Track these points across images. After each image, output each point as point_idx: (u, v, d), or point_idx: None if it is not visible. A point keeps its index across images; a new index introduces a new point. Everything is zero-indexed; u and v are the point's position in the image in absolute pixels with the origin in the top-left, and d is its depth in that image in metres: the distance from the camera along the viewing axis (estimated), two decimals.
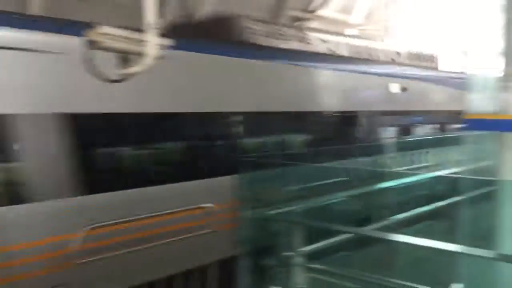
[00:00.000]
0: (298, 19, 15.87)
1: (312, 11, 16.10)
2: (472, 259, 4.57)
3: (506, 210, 4.68)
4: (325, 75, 8.61)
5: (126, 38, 4.16)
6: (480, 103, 5.17)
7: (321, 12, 16.46)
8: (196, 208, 5.90)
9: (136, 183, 5.57)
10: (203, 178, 6.22)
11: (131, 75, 4.29)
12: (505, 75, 4.94)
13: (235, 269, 4.93)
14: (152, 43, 4.13)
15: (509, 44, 4.92)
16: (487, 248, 4.45)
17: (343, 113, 8.86)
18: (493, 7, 5.46)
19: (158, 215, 5.47)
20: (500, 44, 5.00)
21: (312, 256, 4.23)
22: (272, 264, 3.99)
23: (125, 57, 4.19)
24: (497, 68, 5.10)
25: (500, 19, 5.08)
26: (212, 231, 5.88)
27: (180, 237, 5.63)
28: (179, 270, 5.84)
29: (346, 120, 8.95)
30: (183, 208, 5.79)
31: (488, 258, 3.87)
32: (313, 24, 16.53)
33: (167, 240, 5.52)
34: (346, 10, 18.02)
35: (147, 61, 4.13)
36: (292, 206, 4.81)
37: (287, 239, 3.93)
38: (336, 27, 17.62)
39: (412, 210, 6.41)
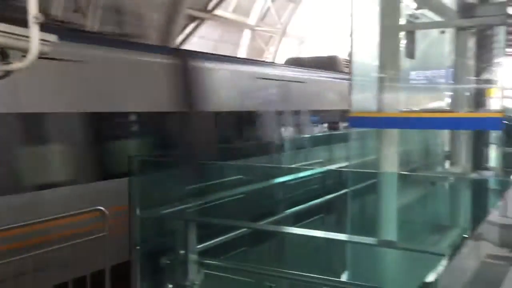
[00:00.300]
0: (195, 18, 15.89)
1: (209, 11, 16.20)
2: (359, 247, 4.92)
3: (386, 199, 5.09)
4: (213, 75, 8.55)
5: (5, 32, 3.91)
6: (361, 102, 5.57)
7: (218, 12, 16.62)
8: (83, 213, 5.68)
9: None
10: (89, 181, 6.02)
11: (12, 71, 4.04)
12: (380, 77, 5.36)
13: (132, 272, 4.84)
14: (35, 39, 3.92)
15: (384, 49, 5.34)
16: (373, 236, 4.82)
17: (232, 112, 8.90)
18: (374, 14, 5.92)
19: (38, 222, 5.14)
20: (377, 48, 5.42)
21: (209, 253, 4.29)
22: (168, 263, 3.99)
23: (5, 53, 3.93)
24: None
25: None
26: (104, 235, 5.69)
27: (67, 244, 5.36)
28: (66, 278, 5.54)
29: (236, 119, 9.09)
30: (67, 214, 5.53)
31: (371, 245, 4.19)
32: (211, 23, 16.67)
33: (51, 248, 5.21)
34: (244, 11, 18.38)
35: (30, 57, 3.91)
36: (187, 204, 4.84)
37: (182, 238, 3.95)
38: (234, 27, 17.92)
39: (304, 204, 6.71)
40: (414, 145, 7.47)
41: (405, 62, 6.42)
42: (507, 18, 4.62)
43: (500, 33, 6.02)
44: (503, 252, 3.65)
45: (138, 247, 4.36)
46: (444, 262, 1.72)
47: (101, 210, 5.77)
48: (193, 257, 3.81)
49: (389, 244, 4.30)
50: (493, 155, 6.18)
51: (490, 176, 5.98)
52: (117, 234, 5.68)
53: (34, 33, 3.93)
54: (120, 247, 5.67)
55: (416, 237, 5.88)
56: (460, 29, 6.65)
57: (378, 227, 5.29)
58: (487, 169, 6.32)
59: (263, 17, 19.20)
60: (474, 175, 6.26)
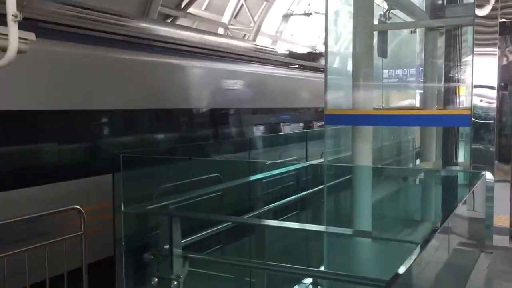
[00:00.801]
0: (168, 16, 15.83)
1: (182, 9, 16.16)
2: (335, 240, 5.07)
3: (359, 192, 5.25)
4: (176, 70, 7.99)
5: None
6: (336, 99, 5.72)
7: (191, 10, 16.60)
8: (59, 211, 5.65)
9: None
10: (63, 180, 5.99)
11: None
12: (354, 75, 5.51)
13: (114, 269, 4.85)
14: (14, 36, 3.91)
15: (356, 46, 5.50)
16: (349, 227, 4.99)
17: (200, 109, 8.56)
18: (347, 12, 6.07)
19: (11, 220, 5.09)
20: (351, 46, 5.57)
21: (192, 247, 4.36)
22: (152, 258, 4.04)
23: None
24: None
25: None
26: (81, 233, 5.68)
27: (43, 243, 5.33)
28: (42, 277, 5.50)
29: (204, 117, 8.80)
30: (43, 213, 5.50)
31: (347, 235, 4.34)
32: (183, 21, 16.63)
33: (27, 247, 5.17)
34: (217, 9, 18.40)
35: (8, 55, 3.90)
36: (169, 200, 4.89)
37: (165, 233, 4.01)
38: (207, 26, 17.92)
39: (283, 199, 6.84)
40: (386, 141, 7.69)
41: (377, 61, 6.61)
42: (475, 18, 4.81)
43: (468, 33, 6.25)
44: (471, 243, 3.85)
45: (122, 243, 4.40)
46: (416, 252, 1.84)
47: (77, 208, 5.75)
48: (177, 251, 3.87)
49: (365, 234, 4.46)
50: (462, 151, 6.42)
51: (458, 171, 6.21)
52: (96, 233, 5.67)
53: (13, 31, 3.93)
54: (99, 245, 5.67)
55: (388, 230, 6.08)
56: (429, 29, 6.88)
57: (353, 220, 5.45)
58: (456, 164, 6.56)
59: (236, 15, 19.27)
60: (443, 170, 6.49)
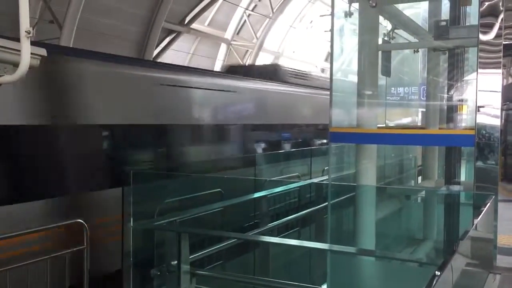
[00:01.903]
0: (171, 31, 15.97)
1: (186, 24, 16.31)
2: (339, 258, 5.07)
3: (362, 210, 5.27)
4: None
5: None
6: (340, 117, 5.76)
7: (195, 26, 16.76)
8: (62, 225, 5.67)
9: None
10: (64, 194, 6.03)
11: (3, 83, 4.07)
12: (358, 93, 5.56)
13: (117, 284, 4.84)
14: (26, 52, 3.97)
15: (361, 65, 5.56)
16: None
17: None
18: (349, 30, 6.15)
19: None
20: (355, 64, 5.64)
21: (198, 263, 4.36)
22: (159, 273, 4.04)
23: None
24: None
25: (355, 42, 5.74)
26: (84, 247, 5.67)
27: (42, 258, 5.33)
28: None
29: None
30: (45, 227, 5.52)
31: (350, 254, 4.34)
32: (187, 37, 16.78)
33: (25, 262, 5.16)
34: (220, 25, 18.58)
35: (21, 70, 3.95)
36: (177, 216, 4.91)
37: (172, 248, 4.02)
38: (210, 41, 18.09)
39: (288, 217, 6.84)
40: (388, 159, 7.72)
41: (381, 79, 6.67)
42: (479, 40, 4.88)
43: (471, 53, 6.33)
44: (479, 264, 3.85)
45: (130, 257, 4.40)
46: (437, 274, 1.85)
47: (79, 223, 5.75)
48: (185, 267, 3.87)
49: (369, 253, 4.46)
50: (465, 170, 6.45)
51: (461, 191, 6.22)
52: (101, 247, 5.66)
53: (25, 47, 3.98)
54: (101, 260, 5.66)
55: (391, 249, 6.08)
56: (433, 49, 6.95)
57: (356, 238, 5.46)
58: (458, 183, 6.58)
59: (239, 32, 19.43)
60: (445, 190, 6.50)
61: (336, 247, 4.54)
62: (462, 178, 6.69)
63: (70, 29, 10.13)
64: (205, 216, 5.65)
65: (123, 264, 4.57)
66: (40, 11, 10.85)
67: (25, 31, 3.88)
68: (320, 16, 22.63)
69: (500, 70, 5.04)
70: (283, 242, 4.74)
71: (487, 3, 4.98)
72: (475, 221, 2.94)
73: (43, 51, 4.37)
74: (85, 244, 5.75)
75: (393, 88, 8.80)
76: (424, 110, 8.10)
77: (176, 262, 3.88)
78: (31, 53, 4.02)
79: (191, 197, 6.18)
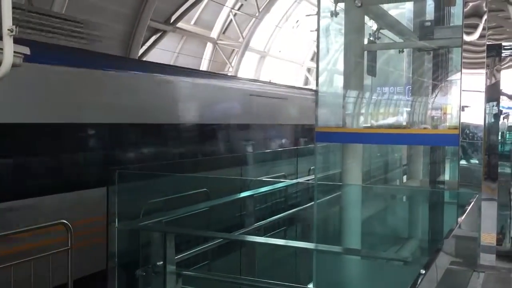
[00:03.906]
0: (157, 30, 15.87)
1: (172, 23, 16.22)
2: (325, 257, 5.08)
3: (348, 209, 5.29)
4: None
5: None
6: (326, 117, 5.78)
7: (180, 25, 16.67)
8: (46, 226, 5.60)
9: None
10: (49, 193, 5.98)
11: None
12: (344, 93, 5.59)
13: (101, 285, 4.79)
14: (9, 51, 3.90)
15: (347, 65, 5.58)
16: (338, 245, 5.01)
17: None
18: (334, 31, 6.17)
19: None
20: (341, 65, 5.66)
21: (184, 264, 4.34)
22: (144, 274, 4.01)
23: None
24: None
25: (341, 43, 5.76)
26: (68, 248, 5.61)
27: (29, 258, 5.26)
28: None
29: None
30: (29, 227, 5.45)
31: (335, 253, 4.35)
32: (172, 36, 16.70)
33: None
34: (206, 24, 18.51)
35: (3, 68, 3.88)
36: (162, 216, 4.87)
37: (157, 249, 3.99)
38: (196, 40, 18.02)
39: (274, 216, 6.84)
40: (374, 159, 7.76)
41: (366, 79, 6.70)
42: (463, 40, 4.93)
43: (455, 53, 6.39)
44: (463, 262, 3.89)
45: (115, 258, 4.36)
46: (422, 272, 1.86)
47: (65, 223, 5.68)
48: (170, 267, 3.85)
49: (355, 252, 4.48)
50: (449, 169, 6.51)
51: (445, 190, 6.28)
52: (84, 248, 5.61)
53: (8, 45, 3.91)
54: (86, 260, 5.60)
55: (376, 248, 6.11)
56: (417, 49, 7.01)
57: (342, 237, 5.47)
58: (442, 183, 6.64)
59: (225, 31, 19.39)
60: (430, 188, 6.56)
61: (322, 247, 4.55)
62: (447, 177, 6.76)
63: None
64: (191, 216, 5.63)
65: (108, 265, 4.53)
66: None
67: (8, 29, 3.81)
68: (306, 15, 22.69)
69: (483, 70, 5.09)
70: (269, 242, 4.73)
71: (471, 4, 5.03)
72: (459, 220, 2.96)
73: (26, 50, 4.30)
74: (69, 245, 5.68)
75: (379, 88, 8.85)
76: (409, 109, 8.17)
77: (161, 262, 3.85)
78: (14, 52, 3.96)
79: (176, 197, 6.15)
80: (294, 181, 8.45)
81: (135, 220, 4.65)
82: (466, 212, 3.16)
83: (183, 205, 5.75)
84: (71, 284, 5.69)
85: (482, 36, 4.90)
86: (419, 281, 1.75)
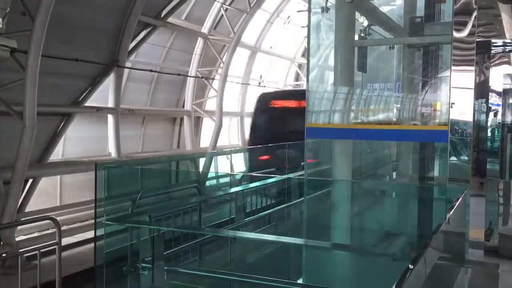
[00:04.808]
0: (147, 25, 15.76)
1: (162, 18, 16.11)
2: (314, 252, 5.09)
3: (337, 205, 5.30)
4: None
5: None
6: (316, 113, 5.78)
7: (171, 20, 16.57)
8: (34, 219, 5.56)
9: None
10: None
11: None
12: (334, 89, 5.59)
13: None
14: None
15: (337, 61, 5.58)
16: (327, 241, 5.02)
17: None
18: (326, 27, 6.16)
19: None
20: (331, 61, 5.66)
21: (172, 259, 4.32)
22: (132, 270, 3.98)
23: None
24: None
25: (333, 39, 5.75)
26: (55, 242, 5.57)
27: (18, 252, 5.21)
28: None
29: None
30: (17, 222, 5.41)
31: (325, 248, 4.36)
32: (163, 30, 16.60)
33: None
34: (197, 19, 18.41)
35: None
36: (149, 212, 4.84)
37: (146, 245, 3.96)
38: (187, 35, 17.93)
39: (264, 212, 6.84)
40: (364, 155, 7.78)
41: (356, 76, 6.70)
42: (453, 37, 4.94)
43: (445, 50, 6.42)
44: (452, 257, 3.91)
45: (103, 254, 4.33)
46: (410, 267, 1.87)
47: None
48: (159, 263, 3.83)
49: (344, 248, 4.50)
50: (438, 165, 6.54)
51: (438, 186, 6.31)
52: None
53: None
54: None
55: (365, 243, 6.13)
56: (408, 45, 7.02)
57: (331, 233, 5.49)
58: (432, 179, 6.68)
59: (216, 26, 19.30)
60: (419, 184, 6.59)
61: (311, 242, 4.55)
62: (436, 173, 6.79)
63: (42, 21, 9.87)
64: (180, 212, 5.61)
65: (96, 261, 4.50)
66: (11, 2, 10.58)
67: None
68: (298, 11, 22.64)
69: (473, 67, 5.12)
70: (257, 238, 4.73)
71: (461, 1, 5.04)
72: (448, 216, 2.98)
73: (13, 43, 4.27)
74: (57, 239, 5.65)
75: (369, 84, 8.87)
76: (399, 106, 8.20)
77: (150, 258, 3.83)
78: (1, 45, 3.92)
79: (166, 192, 6.13)
80: (284, 176, 8.46)
81: (124, 215, 4.62)
82: (454, 208, 3.17)
83: (173, 201, 5.74)
84: (60, 279, 5.66)
85: (471, 33, 4.92)
86: (407, 275, 1.76)
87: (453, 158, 4.98)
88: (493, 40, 6.22)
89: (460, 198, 3.54)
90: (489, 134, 6.86)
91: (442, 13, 6.56)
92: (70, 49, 11.52)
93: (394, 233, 6.64)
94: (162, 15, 16.10)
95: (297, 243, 4.75)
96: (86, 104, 12.97)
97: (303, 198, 5.59)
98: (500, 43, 6.57)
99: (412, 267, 1.88)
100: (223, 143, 20.81)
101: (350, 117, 5.96)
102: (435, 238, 2.36)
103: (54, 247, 5.75)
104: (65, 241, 10.30)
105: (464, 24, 4.93)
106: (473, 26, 4.89)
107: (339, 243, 4.84)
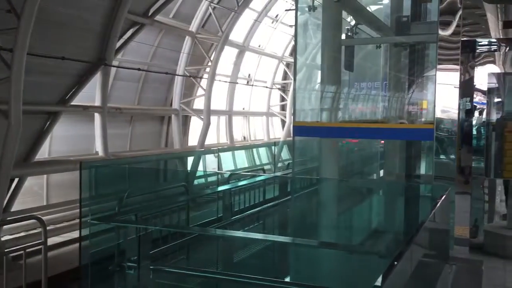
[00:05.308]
0: (135, 23, 15.66)
1: (150, 16, 16.02)
2: (301, 250, 5.11)
3: (324, 203, 5.32)
4: None
5: None
6: (304, 112, 5.80)
7: (159, 18, 16.48)
8: (19, 219, 5.50)
9: None
10: None
11: None
12: (322, 88, 5.61)
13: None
14: None
15: (324, 60, 5.60)
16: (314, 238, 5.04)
17: None
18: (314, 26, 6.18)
19: None
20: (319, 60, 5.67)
21: (160, 258, 4.30)
22: (118, 269, 3.96)
23: None
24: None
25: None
26: (41, 241, 5.51)
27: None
28: None
29: None
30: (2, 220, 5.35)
31: (312, 246, 4.38)
32: (151, 29, 16.51)
33: None
34: (185, 18, 18.34)
35: None
36: (135, 211, 4.83)
37: (132, 244, 3.95)
38: (174, 34, 17.85)
39: (251, 210, 6.84)
40: (351, 153, 7.82)
41: (343, 74, 6.73)
42: (439, 36, 4.99)
43: (431, 49, 6.47)
44: (436, 254, 3.95)
45: (89, 253, 4.30)
46: (392, 264, 1.88)
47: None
48: (145, 262, 3.82)
49: (331, 246, 4.52)
50: (425, 163, 6.60)
51: (423, 184, 6.37)
52: None
53: None
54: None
55: (352, 241, 6.17)
56: (394, 45, 7.07)
57: (318, 231, 5.51)
58: (418, 177, 6.74)
59: (204, 25, 19.24)
60: (405, 182, 6.65)
61: (298, 240, 4.57)
62: (422, 171, 6.85)
63: (28, 18, 9.77)
64: (168, 211, 5.59)
65: (81, 260, 4.47)
66: None
67: None
68: (286, 10, 22.64)
69: (458, 66, 5.17)
70: (244, 236, 4.73)
71: (446, 1, 5.09)
72: (430, 214, 3.01)
73: None
74: (43, 239, 5.61)
75: (356, 83, 8.91)
76: (386, 104, 8.25)
77: (136, 257, 3.82)
78: None
79: (154, 191, 6.10)
80: (271, 175, 8.47)
81: (110, 215, 4.59)
82: (437, 205, 3.20)
83: (160, 200, 5.71)
84: (45, 279, 5.61)
85: (456, 33, 4.97)
86: (391, 272, 1.77)
87: (439, 156, 5.03)
88: (478, 40, 6.28)
89: (444, 196, 3.57)
90: (474, 132, 6.93)
91: (428, 12, 6.62)
92: (56, 47, 11.41)
93: (380, 230, 6.70)
94: (150, 13, 16.00)
95: (284, 242, 4.76)
96: (72, 103, 12.86)
97: (290, 197, 5.61)
98: (485, 42, 6.64)
99: (396, 263, 1.89)
100: (212, 142, 20.77)
101: (337, 115, 5.99)
102: (418, 235, 2.38)
103: (40, 246, 5.71)
104: (53, 240, 10.25)
105: (449, 23, 4.97)
106: (458, 25, 4.94)
107: (326, 241, 4.86)
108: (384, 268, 1.99)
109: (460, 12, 4.93)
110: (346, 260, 5.09)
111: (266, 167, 13.58)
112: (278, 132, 26.85)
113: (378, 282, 1.74)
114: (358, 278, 4.76)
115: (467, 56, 5.87)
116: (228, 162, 16.46)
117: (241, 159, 19.41)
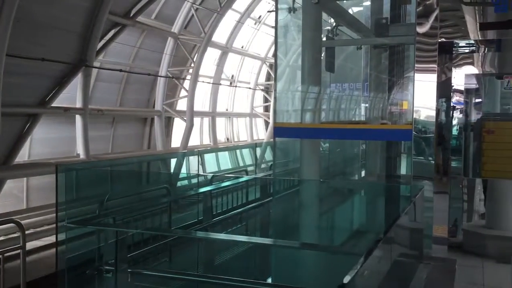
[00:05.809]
0: (116, 24, 15.54)
1: (131, 17, 15.92)
2: (283, 251, 5.12)
3: (305, 204, 5.35)
4: None
5: None
6: (285, 113, 5.82)
7: (140, 19, 16.38)
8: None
9: None
10: None
11: None
12: (302, 89, 5.64)
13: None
14: None
15: (305, 61, 5.63)
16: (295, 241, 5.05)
17: None
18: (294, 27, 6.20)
19: None
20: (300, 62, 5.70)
21: (137, 261, 4.27)
22: (96, 273, 3.92)
23: None
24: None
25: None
26: (19, 246, 5.43)
27: None
28: None
29: None
30: None
31: (293, 248, 4.39)
32: (132, 30, 16.41)
33: None
34: (167, 19, 18.27)
35: None
36: (117, 214, 4.79)
37: (110, 247, 3.91)
38: (157, 35, 17.77)
39: (233, 211, 6.84)
40: (333, 154, 7.87)
41: (324, 75, 6.77)
42: (417, 37, 5.05)
43: (410, 50, 6.55)
44: (412, 254, 3.99)
45: (66, 258, 4.25)
46: (360, 262, 1.90)
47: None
48: (123, 266, 3.79)
49: (311, 247, 4.54)
50: (405, 163, 6.67)
51: (399, 184, 6.44)
52: None
53: None
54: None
55: (334, 242, 6.20)
56: (374, 46, 7.14)
57: (299, 232, 5.53)
58: (398, 177, 6.81)
59: (186, 26, 19.17)
60: (385, 183, 6.71)
61: (279, 242, 4.58)
62: (403, 171, 6.93)
63: (7, 19, 9.64)
64: (149, 213, 5.56)
65: (57, 265, 4.42)
66: None
67: None
68: (268, 11, 22.69)
69: (435, 67, 5.24)
70: (225, 238, 4.72)
71: (423, 3, 5.16)
72: (403, 212, 3.04)
73: None
74: (21, 243, 5.54)
75: (338, 84, 8.98)
76: (367, 105, 8.32)
77: (113, 261, 3.79)
78: None
79: (136, 193, 6.06)
80: (252, 176, 8.48)
81: (88, 218, 4.54)
82: (410, 205, 3.24)
83: (140, 202, 5.68)
84: (24, 284, 5.54)
85: (433, 34, 5.04)
86: (358, 268, 1.79)
87: (417, 156, 5.09)
88: (455, 41, 6.37)
89: (417, 195, 3.61)
90: (453, 132, 7.04)
91: (408, 14, 6.70)
92: (36, 48, 11.27)
93: (361, 231, 6.74)
94: (132, 14, 15.90)
95: (266, 243, 4.77)
96: (53, 105, 12.71)
97: (271, 198, 5.62)
98: (463, 44, 6.73)
99: (363, 261, 1.91)
100: (195, 143, 20.70)
101: (318, 116, 6.02)
102: (389, 234, 2.40)
103: (19, 251, 5.63)
104: (33, 244, 10.10)
105: (427, 25, 5.04)
106: (434, 27, 5.01)
107: (307, 242, 4.88)
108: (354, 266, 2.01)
109: (436, 13, 5.00)
110: (328, 261, 5.12)
111: (249, 169, 13.58)
112: (262, 133, 26.88)
113: (346, 280, 1.76)
114: (339, 278, 4.78)
115: (445, 57, 5.95)
116: (211, 164, 16.42)
117: (225, 161, 19.38)
